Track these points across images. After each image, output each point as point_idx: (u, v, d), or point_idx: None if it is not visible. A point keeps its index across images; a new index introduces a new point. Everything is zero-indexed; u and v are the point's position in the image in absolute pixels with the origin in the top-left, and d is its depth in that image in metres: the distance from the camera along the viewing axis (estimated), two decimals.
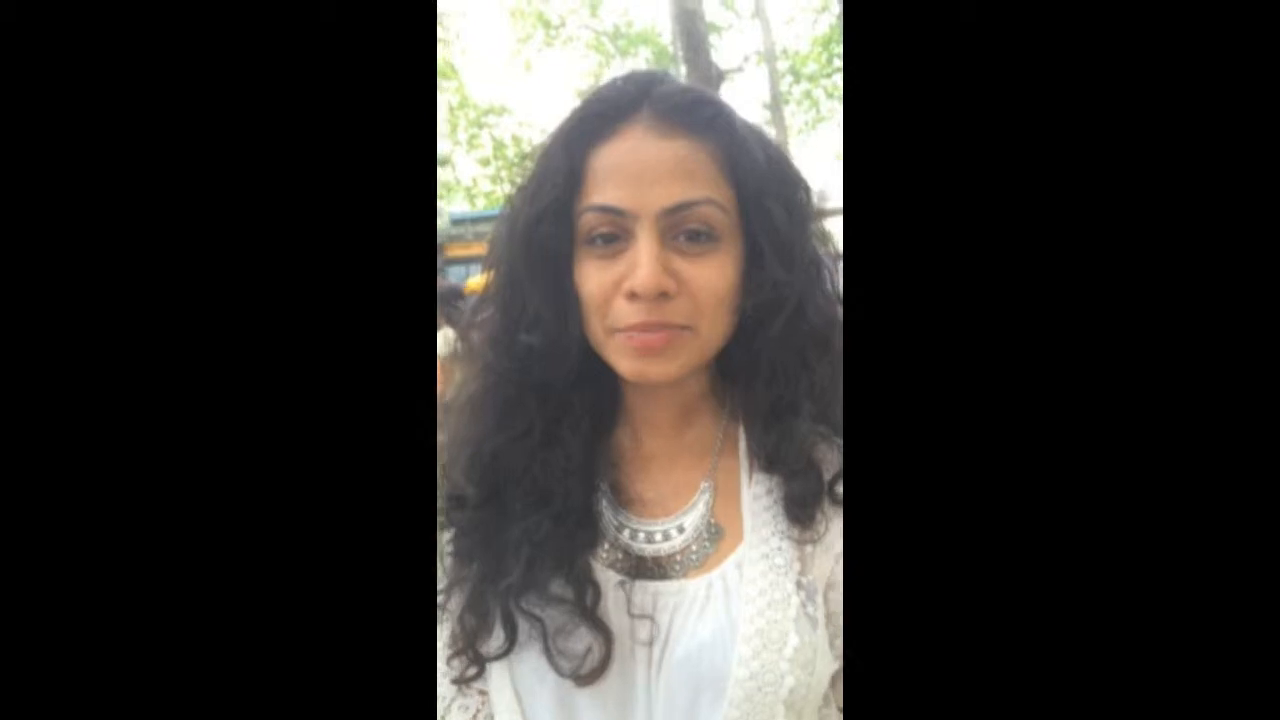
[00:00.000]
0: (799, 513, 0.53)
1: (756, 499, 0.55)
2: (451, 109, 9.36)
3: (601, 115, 0.52)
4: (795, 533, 0.53)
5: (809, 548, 0.53)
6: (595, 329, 0.52)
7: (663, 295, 0.49)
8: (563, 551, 0.53)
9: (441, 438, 0.59)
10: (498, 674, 0.55)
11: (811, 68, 10.53)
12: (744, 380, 0.56)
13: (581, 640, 0.52)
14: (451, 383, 0.60)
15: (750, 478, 0.56)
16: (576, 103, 0.54)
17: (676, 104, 0.52)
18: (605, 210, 0.50)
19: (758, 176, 0.52)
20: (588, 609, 0.52)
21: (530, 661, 0.52)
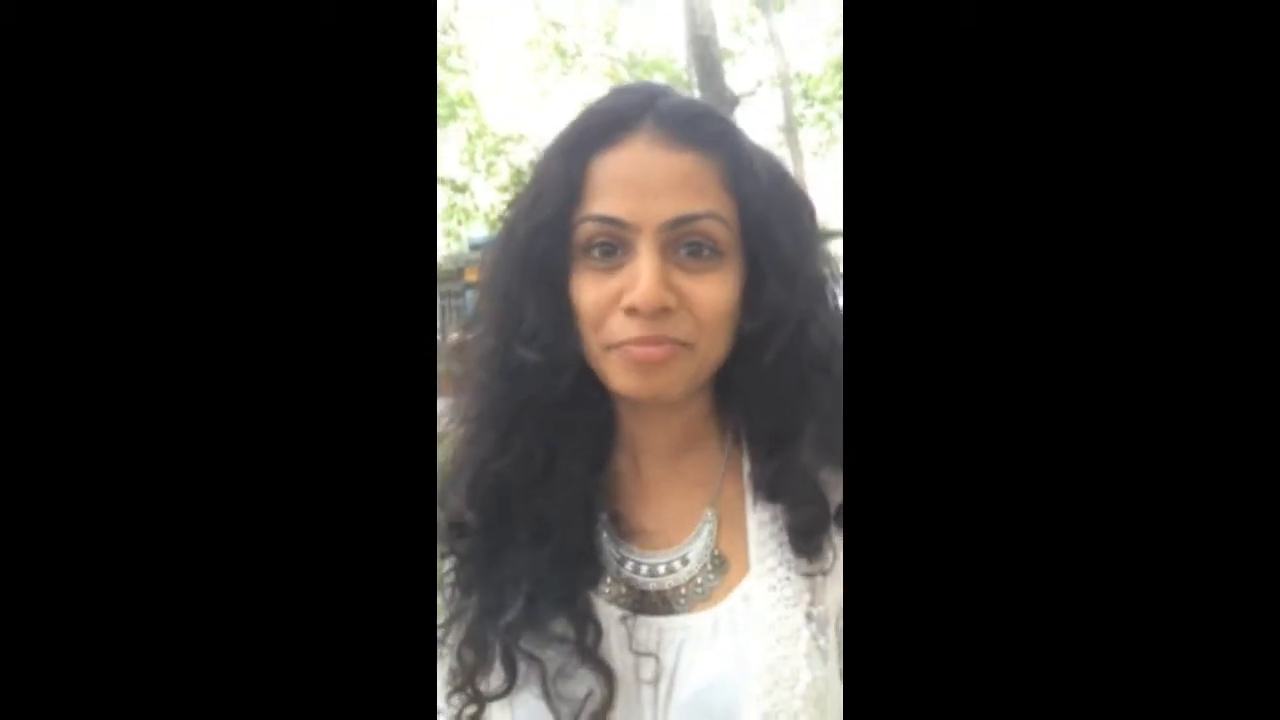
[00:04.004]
0: (804, 544, 0.51)
1: (762, 526, 0.53)
2: (470, 137, 9.50)
3: (603, 126, 0.51)
4: (803, 565, 0.51)
5: (818, 578, 0.51)
6: (591, 344, 0.50)
7: (663, 311, 0.48)
8: (564, 588, 0.51)
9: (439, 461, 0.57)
10: (498, 714, 0.52)
11: (825, 90, 10.58)
12: (745, 404, 0.54)
13: (582, 683, 0.50)
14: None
15: (754, 505, 0.54)
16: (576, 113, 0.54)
17: (682, 117, 0.51)
18: (605, 221, 0.49)
19: (762, 195, 0.51)
20: (588, 649, 0.50)
21: (530, 704, 0.50)
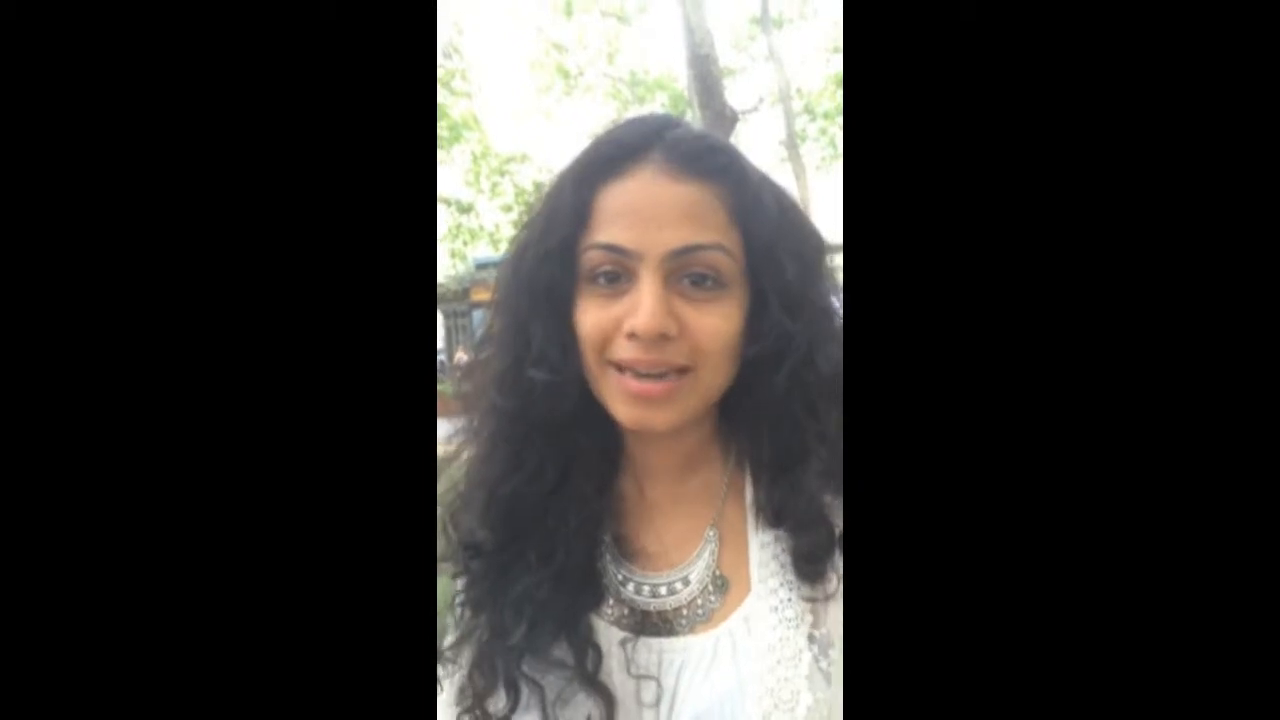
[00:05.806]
0: (808, 568, 0.51)
1: (764, 548, 0.53)
2: (475, 158, 9.59)
3: (611, 156, 0.52)
4: (805, 589, 0.51)
5: (820, 601, 0.51)
6: (591, 363, 0.51)
7: (663, 337, 0.48)
8: (565, 612, 0.52)
9: (445, 485, 0.58)
10: None
11: (826, 105, 10.65)
12: (749, 428, 0.55)
13: (581, 708, 0.50)
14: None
15: (757, 526, 0.54)
16: (587, 143, 0.55)
17: (689, 149, 0.51)
18: (610, 249, 0.50)
19: (769, 226, 0.52)
20: (588, 673, 0.50)
21: None
